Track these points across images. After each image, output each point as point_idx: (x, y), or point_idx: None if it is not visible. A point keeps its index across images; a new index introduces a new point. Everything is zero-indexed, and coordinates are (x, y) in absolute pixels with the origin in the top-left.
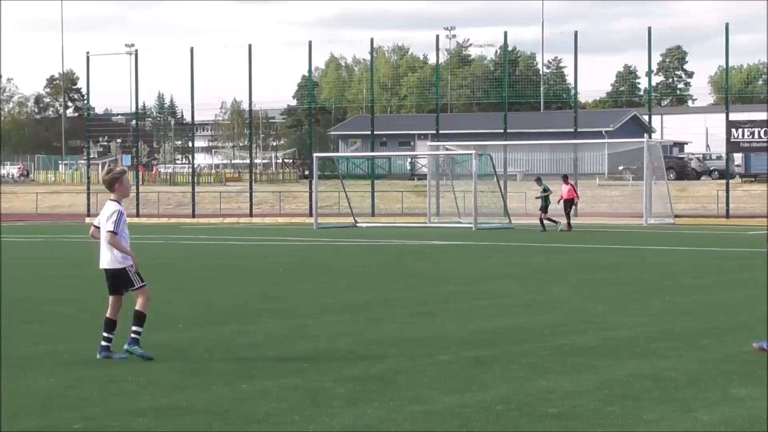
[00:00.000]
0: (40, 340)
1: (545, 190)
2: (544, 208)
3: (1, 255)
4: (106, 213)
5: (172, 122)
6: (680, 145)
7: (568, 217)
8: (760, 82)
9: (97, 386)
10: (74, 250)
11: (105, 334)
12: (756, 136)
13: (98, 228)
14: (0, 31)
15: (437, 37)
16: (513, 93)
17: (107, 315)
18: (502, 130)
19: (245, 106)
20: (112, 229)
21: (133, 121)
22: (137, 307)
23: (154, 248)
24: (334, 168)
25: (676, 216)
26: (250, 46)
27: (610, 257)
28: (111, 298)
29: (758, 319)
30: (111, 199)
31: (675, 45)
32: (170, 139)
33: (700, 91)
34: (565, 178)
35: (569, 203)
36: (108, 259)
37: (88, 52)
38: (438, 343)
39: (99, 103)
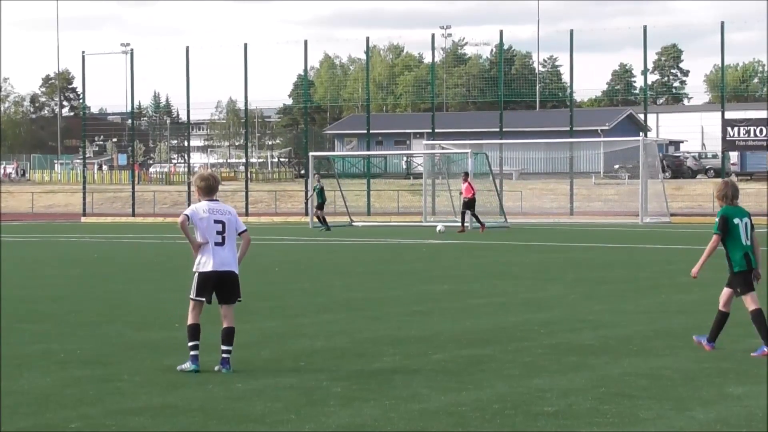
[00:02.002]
0: (36, 340)
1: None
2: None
3: (0, 256)
4: (233, 212)
5: (168, 121)
6: (676, 144)
7: (463, 218)
8: (756, 80)
9: (93, 385)
10: (70, 250)
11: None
12: (751, 134)
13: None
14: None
15: (433, 35)
16: (509, 92)
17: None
18: (497, 129)
19: (241, 105)
20: (245, 229)
21: (129, 121)
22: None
23: (151, 248)
24: (329, 167)
25: (672, 214)
26: (245, 45)
27: (606, 256)
28: (222, 307)
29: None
30: (216, 198)
31: (670, 43)
32: (166, 139)
33: (696, 89)
34: (464, 176)
35: (470, 202)
36: (233, 260)
37: (83, 52)
38: (433, 342)
39: (94, 103)
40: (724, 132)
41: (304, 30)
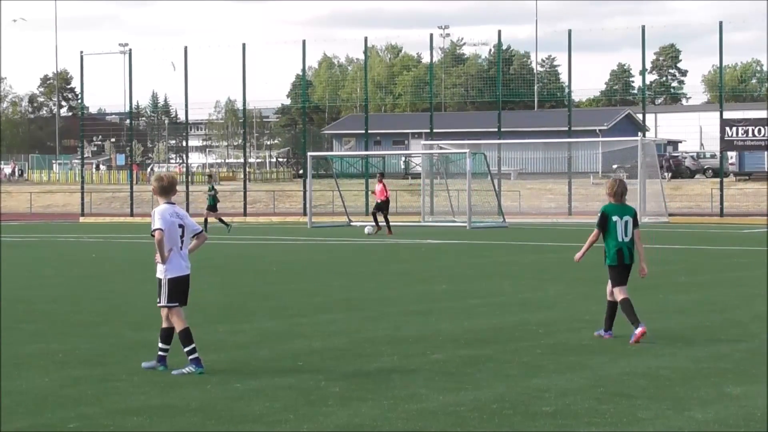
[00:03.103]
0: (34, 340)
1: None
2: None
3: (0, 256)
4: (187, 214)
5: (166, 121)
6: (674, 144)
7: (385, 220)
8: (754, 80)
9: (91, 385)
10: (68, 250)
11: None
12: (750, 134)
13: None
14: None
15: (431, 35)
16: (507, 92)
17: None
18: (496, 129)
19: (239, 105)
20: (201, 230)
21: (127, 121)
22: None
23: (149, 248)
24: (328, 167)
25: (671, 214)
26: (243, 45)
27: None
28: (179, 309)
29: (752, 318)
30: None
31: (669, 43)
32: (164, 139)
33: (694, 89)
34: (380, 177)
35: (383, 205)
36: (188, 262)
37: (81, 52)
38: (432, 342)
39: (93, 103)
40: (723, 132)
41: (302, 30)
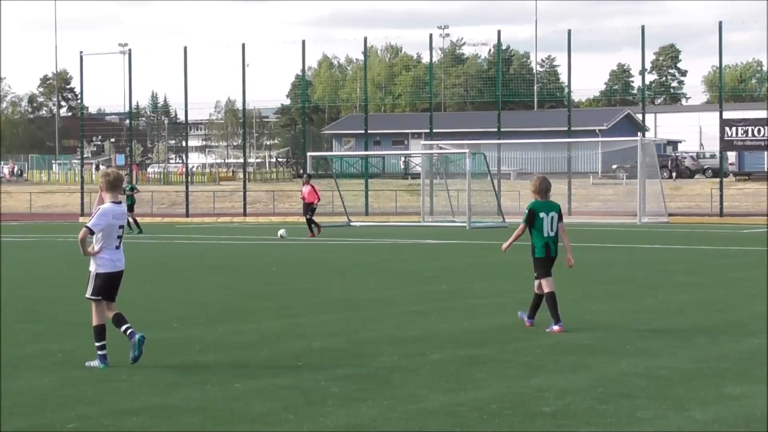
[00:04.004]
0: (33, 340)
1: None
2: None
3: (0, 256)
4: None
5: (166, 121)
6: (674, 144)
7: (307, 222)
8: (754, 80)
9: (91, 385)
10: (68, 250)
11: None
12: (750, 134)
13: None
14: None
15: (431, 36)
16: (506, 92)
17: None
18: (495, 129)
19: (239, 105)
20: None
21: (127, 121)
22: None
23: (148, 248)
24: (327, 167)
25: (670, 214)
26: (243, 45)
27: (604, 256)
28: (102, 304)
29: (752, 317)
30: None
31: (668, 43)
32: (164, 139)
33: (694, 89)
34: (307, 178)
35: (309, 206)
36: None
37: (81, 52)
38: (432, 342)
39: (92, 103)
40: (722, 132)
41: (302, 30)
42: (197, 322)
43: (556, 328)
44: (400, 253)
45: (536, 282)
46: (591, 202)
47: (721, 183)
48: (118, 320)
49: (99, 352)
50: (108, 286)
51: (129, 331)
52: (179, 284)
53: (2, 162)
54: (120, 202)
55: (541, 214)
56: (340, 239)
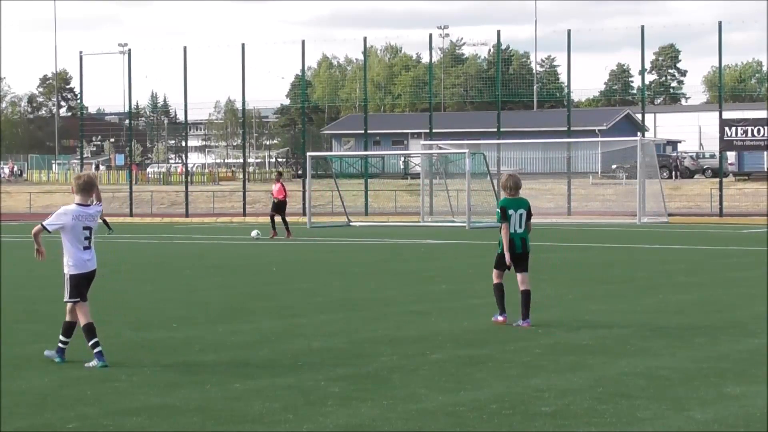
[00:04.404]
0: (33, 340)
1: None
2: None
3: (0, 256)
4: (98, 213)
5: (166, 121)
6: (673, 144)
7: (283, 222)
8: (754, 80)
9: (90, 385)
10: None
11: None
12: (749, 134)
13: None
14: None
15: (430, 36)
16: (506, 92)
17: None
18: (495, 129)
19: (239, 105)
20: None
21: (126, 121)
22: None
23: (148, 248)
24: (327, 167)
25: (670, 214)
26: (243, 45)
27: (604, 256)
28: (82, 304)
29: (752, 317)
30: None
31: (668, 43)
32: (163, 139)
33: (694, 89)
34: (277, 176)
35: (280, 205)
36: (95, 258)
37: (81, 52)
38: (431, 342)
39: (92, 103)
40: (722, 132)
41: (302, 30)
42: (197, 322)
43: (500, 318)
44: (400, 253)
45: (494, 275)
46: (591, 202)
47: (720, 183)
48: (89, 332)
49: (60, 345)
50: (78, 287)
51: (97, 350)
52: (179, 284)
53: (2, 162)
54: (89, 205)
55: (510, 211)
56: (340, 239)
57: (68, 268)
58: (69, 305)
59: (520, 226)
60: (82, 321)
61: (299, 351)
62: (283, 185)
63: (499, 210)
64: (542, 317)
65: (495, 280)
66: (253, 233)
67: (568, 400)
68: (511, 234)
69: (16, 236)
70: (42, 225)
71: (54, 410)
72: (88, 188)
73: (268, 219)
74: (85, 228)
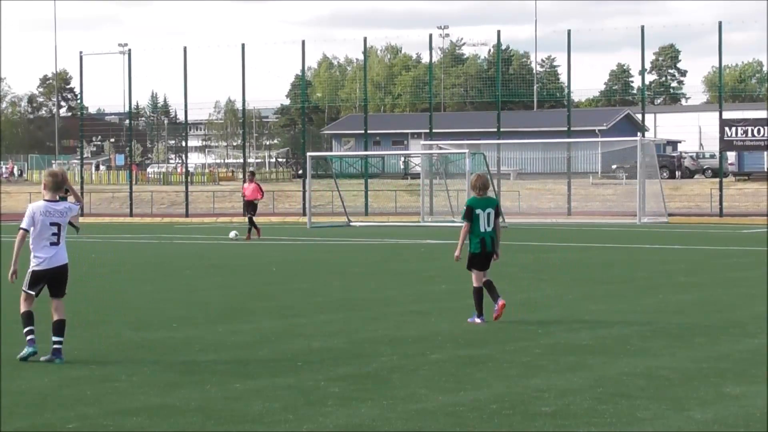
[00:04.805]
0: None
1: None
2: None
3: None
4: (70, 211)
5: (166, 121)
6: (673, 144)
7: (250, 222)
8: (754, 80)
9: (90, 385)
10: (67, 250)
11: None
12: (749, 134)
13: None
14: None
15: (430, 36)
16: (506, 92)
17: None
18: (495, 129)
19: (239, 105)
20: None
21: (127, 121)
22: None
23: (148, 248)
24: (327, 167)
25: (670, 214)
26: (243, 45)
27: (604, 256)
28: (55, 301)
29: (752, 317)
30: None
31: (668, 43)
32: (164, 139)
33: (694, 89)
34: (251, 176)
35: (251, 205)
36: (65, 254)
37: (81, 52)
38: (431, 342)
39: (92, 103)
40: (722, 132)
41: (302, 30)
42: (197, 322)
43: (477, 320)
44: (400, 253)
45: (473, 276)
46: (591, 202)
47: (720, 183)
48: (57, 329)
49: (27, 337)
50: (47, 282)
51: (56, 348)
52: (179, 284)
53: (2, 162)
54: (57, 201)
55: (478, 211)
56: (340, 239)
57: (32, 265)
58: (23, 295)
59: (488, 225)
60: (54, 317)
61: (299, 351)
62: (258, 185)
63: (465, 208)
64: (542, 317)
65: (476, 284)
66: (232, 234)
67: (568, 400)
68: (480, 233)
69: (15, 236)
70: (23, 229)
71: (54, 410)
72: (61, 186)
73: (268, 219)
74: (52, 224)
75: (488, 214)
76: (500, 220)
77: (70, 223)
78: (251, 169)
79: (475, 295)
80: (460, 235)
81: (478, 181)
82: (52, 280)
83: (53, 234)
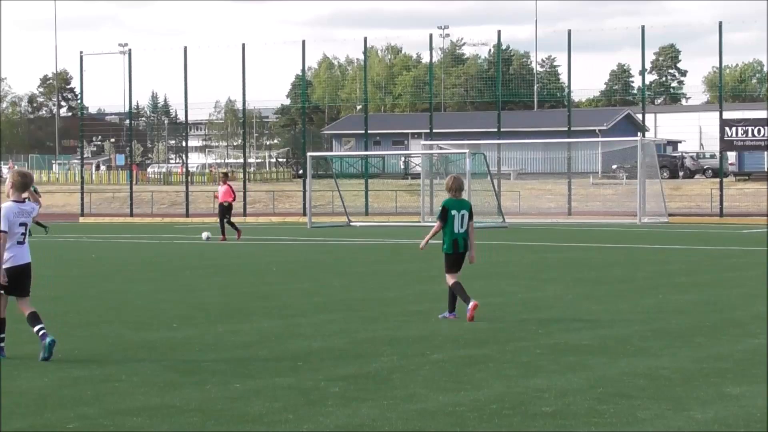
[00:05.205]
0: (33, 340)
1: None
2: None
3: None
4: (33, 211)
5: (166, 121)
6: (674, 144)
7: (221, 224)
8: (754, 80)
9: (90, 385)
10: (68, 250)
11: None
12: (750, 134)
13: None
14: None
15: (431, 36)
16: (506, 92)
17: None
18: (495, 129)
19: (239, 105)
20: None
21: (127, 121)
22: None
23: (148, 248)
24: (327, 167)
25: (670, 214)
26: (243, 45)
27: (604, 256)
28: (21, 299)
29: (752, 317)
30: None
31: (668, 43)
32: (164, 139)
33: (694, 89)
34: (223, 177)
35: (226, 208)
36: (29, 253)
37: (81, 52)
38: (431, 342)
39: (92, 103)
40: (722, 132)
41: (302, 30)
42: (197, 322)
43: (449, 316)
44: (400, 253)
45: (447, 276)
46: (591, 202)
47: (721, 183)
48: (33, 319)
49: None
50: (14, 281)
51: (41, 332)
52: (179, 284)
53: (2, 162)
54: (24, 201)
55: (453, 212)
56: (340, 239)
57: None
58: None
59: (462, 226)
60: (26, 312)
61: (299, 351)
62: (230, 187)
63: (440, 208)
64: (542, 317)
65: (450, 282)
66: (204, 235)
67: (568, 400)
68: (454, 234)
69: None
70: (3, 231)
71: (54, 410)
72: (27, 186)
73: (268, 219)
74: (21, 224)
75: (462, 215)
76: (474, 221)
77: (39, 223)
78: (224, 170)
79: (457, 290)
80: (431, 231)
81: (453, 183)
82: (18, 279)
83: (21, 234)
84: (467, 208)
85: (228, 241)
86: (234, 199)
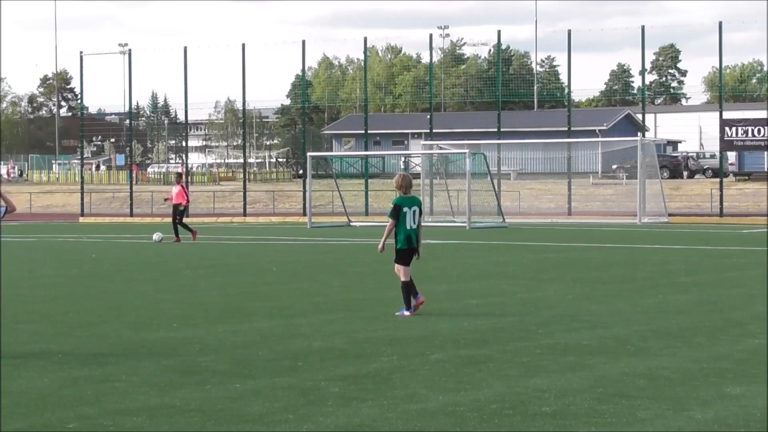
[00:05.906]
0: (33, 340)
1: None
2: None
3: (0, 256)
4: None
5: (166, 121)
6: (674, 144)
7: (174, 225)
8: (754, 80)
9: (90, 385)
10: (68, 250)
11: None
12: (749, 134)
13: None
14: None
15: (431, 36)
16: (506, 92)
17: None
18: (495, 129)
19: (239, 105)
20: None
21: (127, 121)
22: None
23: (148, 248)
24: (327, 167)
25: (670, 214)
26: (243, 45)
27: (604, 256)
28: None
29: (752, 317)
30: None
31: (668, 43)
32: (164, 139)
33: (694, 89)
34: (177, 178)
35: (179, 209)
36: None
37: (81, 52)
38: (431, 342)
39: (92, 103)
40: (722, 132)
41: (302, 30)
42: (197, 322)
43: (406, 313)
44: None
45: (399, 271)
46: (591, 202)
47: (721, 183)
48: None
49: None
50: None
51: None
52: (179, 284)
53: (2, 162)
54: None
55: (405, 209)
56: (340, 239)
57: None
58: None
59: (414, 222)
60: None
61: (299, 351)
62: (183, 188)
63: (393, 206)
64: (542, 317)
65: (403, 278)
66: (155, 236)
67: (568, 400)
68: (406, 230)
69: (16, 236)
70: None
71: (54, 410)
72: None
73: (268, 219)
74: None
75: (414, 212)
76: (423, 218)
77: None
78: (178, 170)
79: (404, 289)
80: (385, 231)
81: (403, 180)
82: None
83: None
84: (418, 204)
85: (182, 242)
86: (187, 201)
